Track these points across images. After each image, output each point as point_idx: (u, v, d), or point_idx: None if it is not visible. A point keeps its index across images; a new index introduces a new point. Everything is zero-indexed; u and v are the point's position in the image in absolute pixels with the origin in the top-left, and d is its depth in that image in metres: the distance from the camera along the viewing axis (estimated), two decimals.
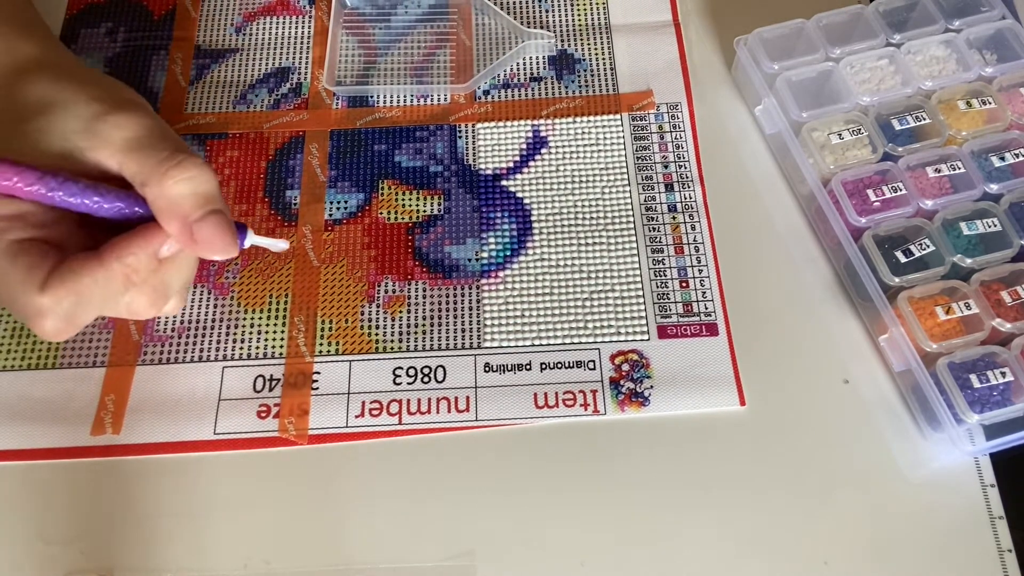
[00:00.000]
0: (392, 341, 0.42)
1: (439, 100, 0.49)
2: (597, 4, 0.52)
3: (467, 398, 0.40)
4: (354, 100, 0.49)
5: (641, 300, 0.43)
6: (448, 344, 0.42)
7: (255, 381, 0.41)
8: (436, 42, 0.51)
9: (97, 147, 0.34)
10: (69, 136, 0.34)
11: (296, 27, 0.52)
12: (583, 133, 0.48)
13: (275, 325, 0.42)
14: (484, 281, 0.44)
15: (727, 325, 0.42)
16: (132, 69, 0.49)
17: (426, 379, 0.41)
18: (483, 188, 0.46)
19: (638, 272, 0.44)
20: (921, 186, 0.43)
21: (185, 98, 0.49)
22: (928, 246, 0.41)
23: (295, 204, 0.46)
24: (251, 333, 0.42)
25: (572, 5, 0.52)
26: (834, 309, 0.43)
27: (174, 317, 0.42)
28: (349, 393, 0.41)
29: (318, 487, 0.39)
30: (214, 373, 0.41)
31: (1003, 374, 0.38)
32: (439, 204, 0.46)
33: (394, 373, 0.41)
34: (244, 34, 0.51)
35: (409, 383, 0.41)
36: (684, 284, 0.43)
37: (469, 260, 0.44)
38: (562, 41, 0.51)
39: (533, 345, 0.42)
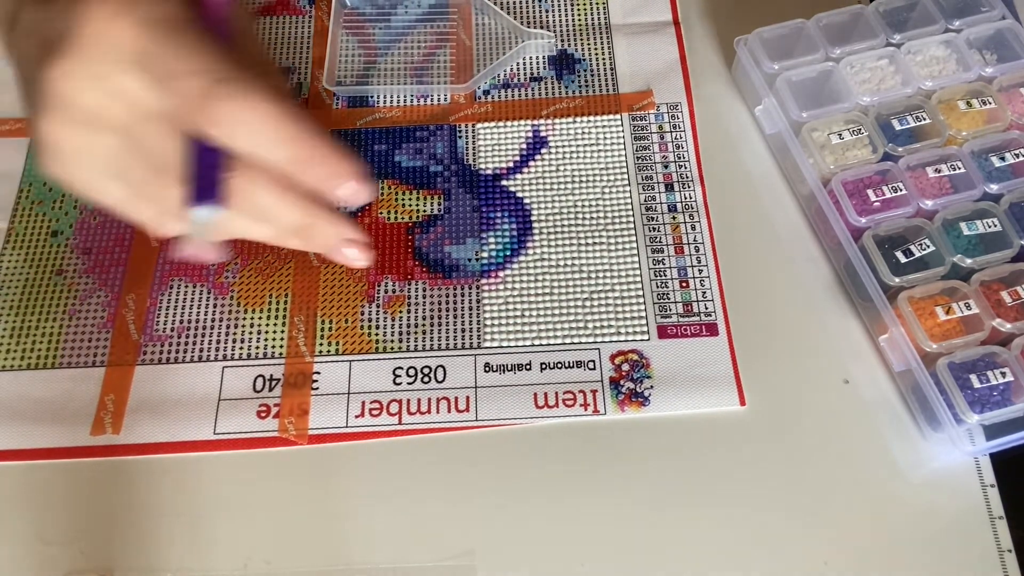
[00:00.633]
0: (392, 341, 0.42)
1: (439, 100, 0.49)
2: (597, 4, 0.52)
3: (467, 398, 0.40)
4: (354, 100, 0.49)
5: (641, 300, 0.43)
6: (448, 344, 0.42)
7: (255, 381, 0.41)
8: (436, 42, 0.51)
9: None
10: None
11: (296, 27, 0.52)
12: (583, 133, 0.48)
13: (275, 325, 0.42)
14: (484, 281, 0.44)
15: (727, 325, 0.42)
16: None
17: (426, 379, 0.41)
18: (483, 188, 0.46)
19: (638, 272, 0.44)
20: (921, 186, 0.43)
21: None
22: (928, 246, 0.41)
23: None
24: (251, 333, 0.42)
25: (572, 5, 0.52)
26: (834, 309, 0.43)
27: (173, 317, 0.42)
28: (349, 393, 0.41)
29: (318, 487, 0.39)
30: (214, 373, 0.41)
31: (1003, 374, 0.38)
32: (439, 204, 0.46)
33: (394, 373, 0.41)
34: None
35: (409, 383, 0.41)
36: (684, 284, 0.43)
37: (469, 260, 0.44)
38: (562, 41, 0.51)
39: (533, 345, 0.42)
